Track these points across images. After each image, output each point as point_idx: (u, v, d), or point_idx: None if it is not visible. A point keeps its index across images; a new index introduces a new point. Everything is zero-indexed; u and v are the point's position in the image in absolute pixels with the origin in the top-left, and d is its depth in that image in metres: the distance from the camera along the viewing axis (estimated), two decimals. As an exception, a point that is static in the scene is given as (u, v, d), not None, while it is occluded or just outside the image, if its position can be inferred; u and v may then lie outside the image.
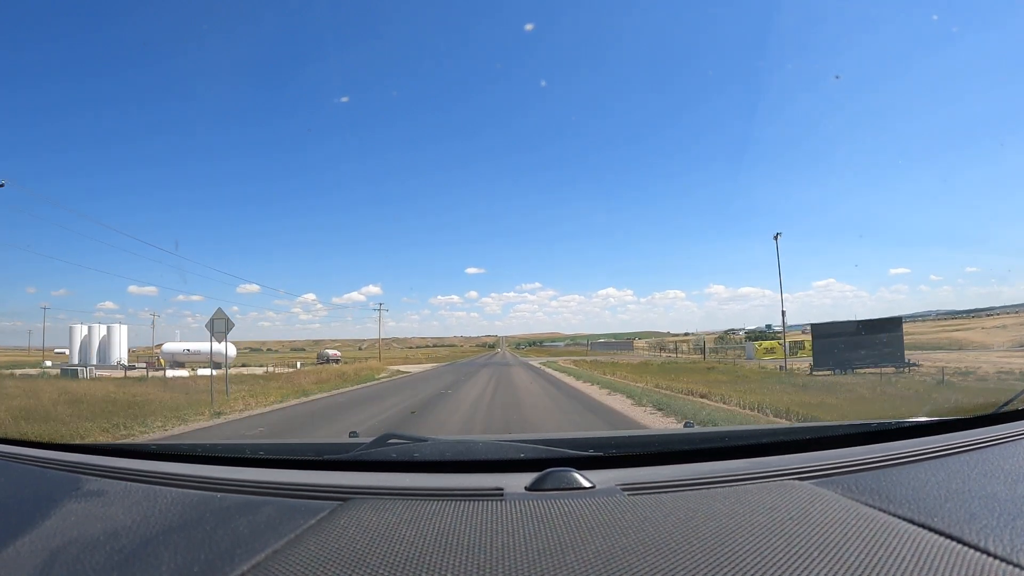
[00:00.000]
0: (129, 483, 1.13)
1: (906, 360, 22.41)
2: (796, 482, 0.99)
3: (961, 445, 1.17)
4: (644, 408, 11.33)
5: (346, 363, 47.40)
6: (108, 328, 42.84)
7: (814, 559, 0.68)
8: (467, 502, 0.93)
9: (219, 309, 15.26)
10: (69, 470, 1.25)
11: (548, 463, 1.10)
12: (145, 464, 1.29)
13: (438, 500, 0.95)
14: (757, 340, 53.02)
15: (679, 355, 55.81)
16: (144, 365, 36.12)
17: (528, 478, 1.03)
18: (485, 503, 0.92)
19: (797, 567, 0.66)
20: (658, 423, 9.32)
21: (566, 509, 0.86)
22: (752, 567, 0.66)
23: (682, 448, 1.32)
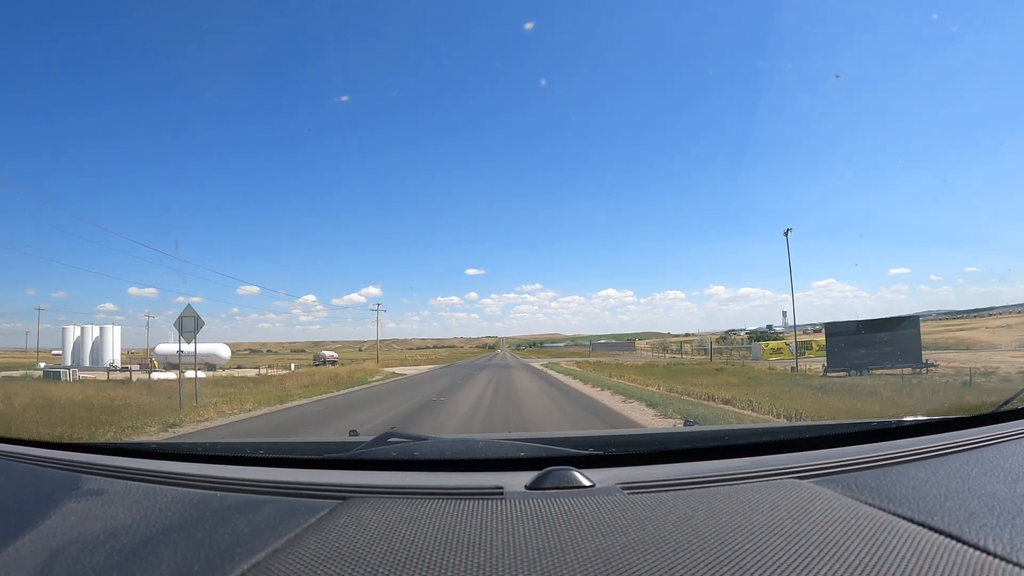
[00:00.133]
0: (129, 482, 1.13)
1: (923, 360, 21.45)
2: (796, 481, 0.99)
3: (961, 444, 1.17)
4: (671, 421, 9.72)
5: (343, 364, 47.04)
6: (101, 329, 42.26)
7: (814, 558, 0.68)
8: (467, 501, 0.93)
9: (188, 306, 13.74)
10: (69, 469, 1.24)
11: (548, 462, 1.09)
12: (145, 463, 1.29)
13: (438, 499, 0.95)
14: (761, 340, 52.39)
15: (683, 356, 54.89)
16: (138, 367, 35.45)
17: (528, 477, 1.03)
18: (485, 502, 0.92)
19: (797, 566, 0.66)
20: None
21: (566, 508, 0.86)
22: (752, 566, 0.66)
23: (682, 447, 1.31)
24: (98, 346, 41.32)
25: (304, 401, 15.22)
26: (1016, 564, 0.65)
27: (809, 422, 4.24)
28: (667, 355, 59.47)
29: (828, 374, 22.08)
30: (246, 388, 18.76)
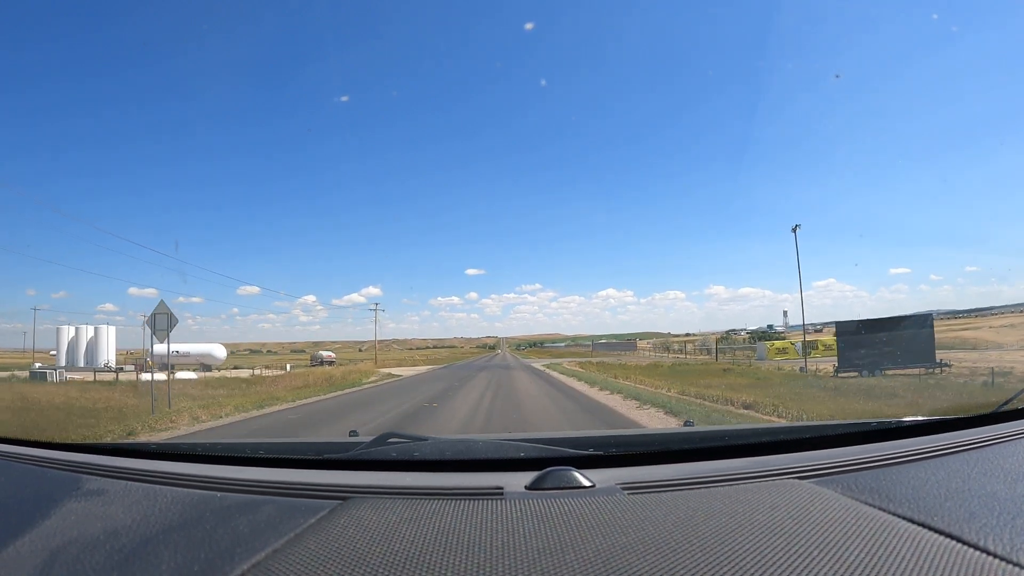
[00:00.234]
0: (129, 482, 1.13)
1: (937, 360, 20.69)
2: (796, 481, 0.99)
3: (961, 444, 1.16)
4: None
5: (341, 364, 46.67)
6: (95, 329, 41.83)
7: (814, 558, 0.67)
8: (467, 501, 0.93)
9: (161, 302, 12.62)
10: (69, 469, 1.24)
11: (548, 462, 1.09)
12: (145, 463, 1.29)
13: (438, 499, 0.95)
14: (761, 340, 51.90)
15: (686, 356, 54.26)
16: (132, 367, 34.96)
17: (528, 477, 1.03)
18: (485, 502, 0.92)
19: (797, 566, 0.66)
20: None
21: (566, 508, 0.86)
22: (752, 566, 0.66)
23: (682, 447, 1.32)
24: (93, 346, 40.95)
25: (285, 406, 14.00)
26: (1016, 564, 0.65)
27: (809, 422, 4.16)
28: (669, 355, 58.88)
29: (839, 375, 21.21)
30: (236, 389, 18.11)
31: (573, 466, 1.05)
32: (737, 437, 1.36)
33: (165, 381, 13.59)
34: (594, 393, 16.03)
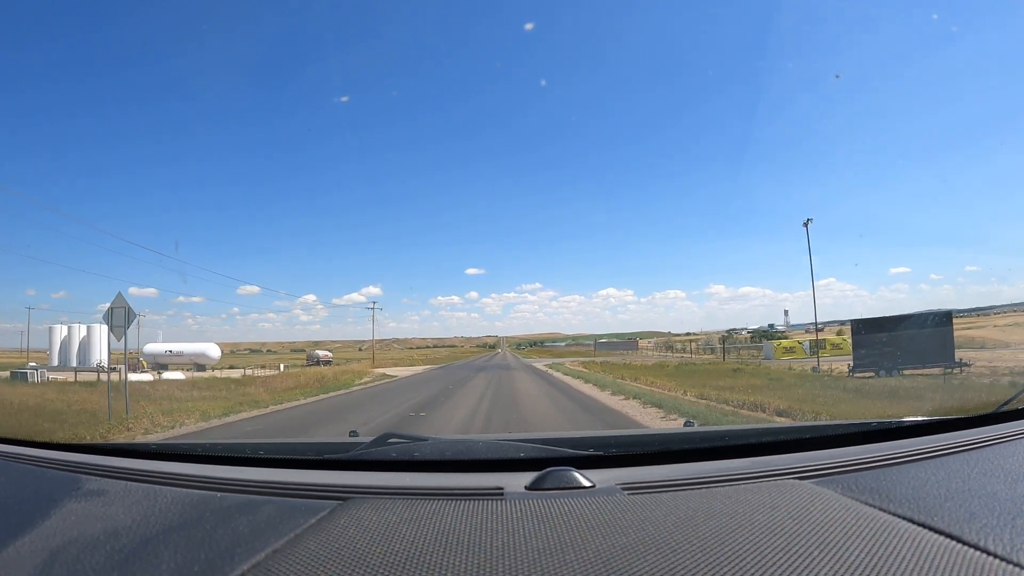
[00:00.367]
0: (129, 483, 1.13)
1: (956, 359, 19.85)
2: (796, 481, 0.99)
3: (961, 444, 1.16)
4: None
5: (338, 364, 46.32)
6: (88, 328, 41.04)
7: (814, 558, 0.67)
8: (467, 501, 0.93)
9: (119, 295, 10.99)
10: (69, 470, 1.25)
11: (548, 462, 1.09)
12: (145, 464, 1.29)
13: (438, 499, 0.95)
14: (764, 339, 51.23)
15: (691, 355, 53.43)
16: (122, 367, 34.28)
17: (528, 477, 1.03)
18: (485, 502, 0.92)
19: (797, 566, 0.66)
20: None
21: (566, 508, 0.86)
22: (752, 566, 0.66)
23: (682, 447, 1.32)
24: (86, 346, 40.10)
25: (254, 413, 12.45)
26: (1016, 564, 0.66)
27: (809, 422, 3.94)
28: (673, 354, 58.05)
29: (855, 374, 20.12)
30: (220, 391, 17.05)
31: (573, 466, 1.05)
32: (737, 437, 1.36)
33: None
34: (605, 398, 14.48)
